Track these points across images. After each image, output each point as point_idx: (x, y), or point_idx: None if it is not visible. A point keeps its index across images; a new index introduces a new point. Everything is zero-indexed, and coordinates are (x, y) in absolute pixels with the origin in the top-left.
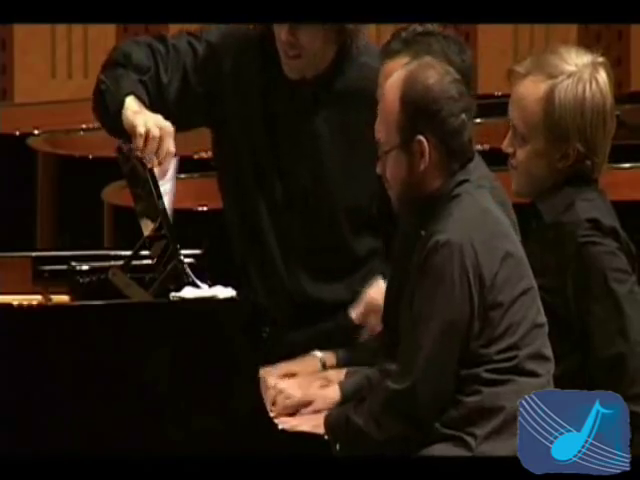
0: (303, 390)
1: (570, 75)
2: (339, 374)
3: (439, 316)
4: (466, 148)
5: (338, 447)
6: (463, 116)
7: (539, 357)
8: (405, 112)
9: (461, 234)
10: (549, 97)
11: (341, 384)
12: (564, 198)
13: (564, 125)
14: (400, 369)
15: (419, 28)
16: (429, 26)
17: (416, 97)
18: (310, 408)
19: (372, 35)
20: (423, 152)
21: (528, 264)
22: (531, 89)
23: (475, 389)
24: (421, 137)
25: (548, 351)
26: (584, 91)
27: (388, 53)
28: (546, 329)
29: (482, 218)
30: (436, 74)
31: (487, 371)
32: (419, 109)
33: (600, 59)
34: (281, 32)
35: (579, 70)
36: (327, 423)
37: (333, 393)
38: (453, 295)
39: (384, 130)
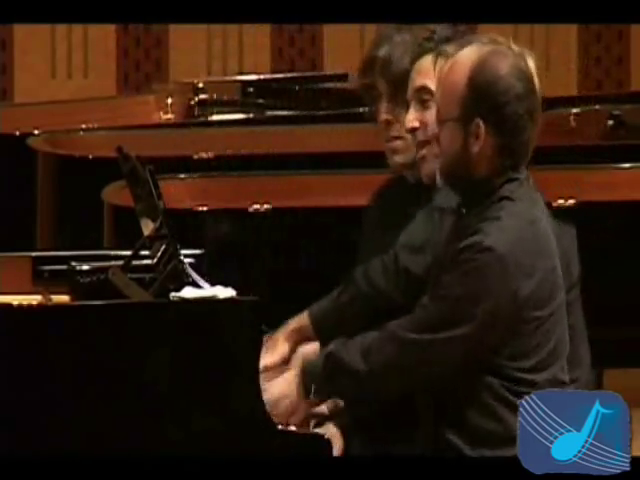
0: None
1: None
2: (302, 321)
3: (461, 302)
4: (524, 149)
5: (313, 388)
6: (526, 117)
7: (559, 383)
8: (470, 93)
9: (505, 245)
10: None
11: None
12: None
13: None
14: (411, 321)
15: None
16: (460, 27)
17: (485, 84)
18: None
19: (372, 35)
20: (478, 136)
21: (562, 277)
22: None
23: (499, 404)
24: (479, 121)
25: (566, 377)
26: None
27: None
28: (565, 352)
29: (529, 231)
30: (508, 67)
31: (508, 391)
32: (485, 96)
33: (530, 51)
34: (380, 115)
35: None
36: (303, 368)
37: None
38: (479, 292)
39: (445, 100)
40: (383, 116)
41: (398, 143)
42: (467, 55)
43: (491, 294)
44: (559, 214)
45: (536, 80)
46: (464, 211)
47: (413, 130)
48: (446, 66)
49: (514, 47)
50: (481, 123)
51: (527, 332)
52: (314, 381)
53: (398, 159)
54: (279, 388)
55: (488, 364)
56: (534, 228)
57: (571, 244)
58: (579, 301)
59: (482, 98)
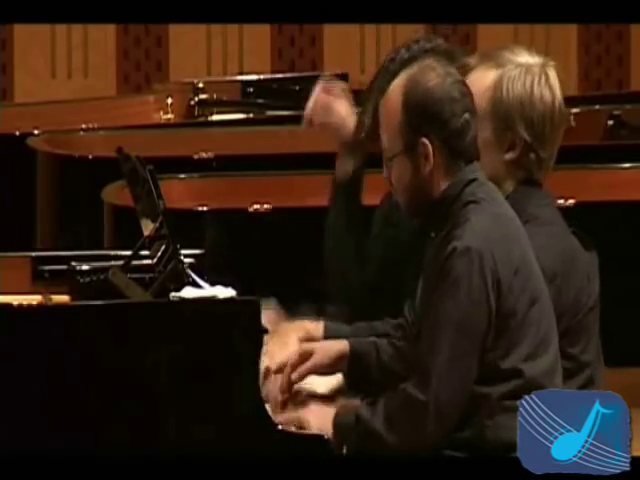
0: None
1: (519, 65)
2: (317, 327)
3: (456, 319)
4: (470, 148)
5: (345, 449)
6: (466, 116)
7: (552, 371)
8: (407, 116)
9: (480, 241)
10: (497, 85)
11: (350, 341)
12: (515, 203)
13: (511, 113)
14: (420, 375)
15: (415, 47)
16: (427, 45)
17: (417, 100)
18: (311, 361)
19: (372, 35)
20: (427, 155)
21: (540, 271)
22: (479, 79)
23: (492, 413)
24: (425, 140)
25: (559, 362)
26: (532, 82)
27: (390, 73)
28: (556, 340)
29: (498, 224)
30: (437, 76)
31: (501, 394)
32: (421, 112)
33: (552, 62)
34: None
35: (529, 64)
36: (335, 422)
37: (340, 345)
38: (471, 299)
39: (388, 136)
40: None
41: None
42: (396, 84)
43: (483, 294)
44: (581, 234)
45: (558, 92)
46: (433, 235)
47: None
48: (381, 104)
49: (535, 57)
50: (427, 141)
51: (513, 325)
52: (346, 439)
53: None
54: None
55: (482, 364)
56: (502, 221)
57: (592, 264)
58: (596, 324)
59: (420, 115)
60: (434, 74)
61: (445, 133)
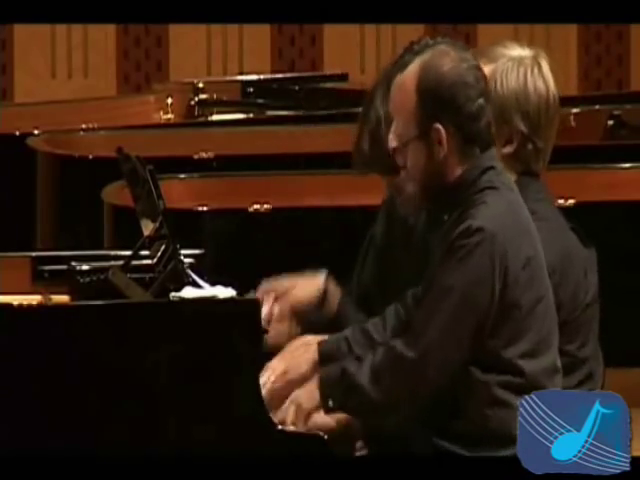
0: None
1: (511, 59)
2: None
3: (458, 291)
4: (484, 132)
5: (331, 403)
6: (480, 101)
7: (552, 371)
8: (421, 101)
9: (495, 224)
10: (491, 79)
11: (320, 343)
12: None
13: (507, 106)
14: (411, 335)
15: (430, 41)
16: (439, 39)
17: (431, 85)
18: (286, 376)
19: (372, 35)
20: (441, 140)
21: (545, 268)
22: None
23: (490, 403)
24: (438, 125)
25: (559, 363)
26: (525, 74)
27: (400, 66)
28: (557, 340)
29: (513, 213)
30: (451, 61)
31: (499, 385)
32: (435, 97)
33: (543, 54)
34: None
35: (521, 56)
36: (321, 377)
37: (309, 354)
38: (476, 276)
39: (401, 122)
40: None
41: None
42: (410, 70)
43: (489, 274)
44: (579, 230)
45: (552, 82)
46: (445, 218)
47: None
48: (393, 89)
49: (527, 50)
50: (440, 127)
51: (517, 317)
52: (332, 394)
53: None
54: (302, 397)
55: (483, 350)
56: (517, 211)
57: (591, 260)
58: (595, 320)
59: (434, 100)
60: (448, 59)
61: (459, 118)
